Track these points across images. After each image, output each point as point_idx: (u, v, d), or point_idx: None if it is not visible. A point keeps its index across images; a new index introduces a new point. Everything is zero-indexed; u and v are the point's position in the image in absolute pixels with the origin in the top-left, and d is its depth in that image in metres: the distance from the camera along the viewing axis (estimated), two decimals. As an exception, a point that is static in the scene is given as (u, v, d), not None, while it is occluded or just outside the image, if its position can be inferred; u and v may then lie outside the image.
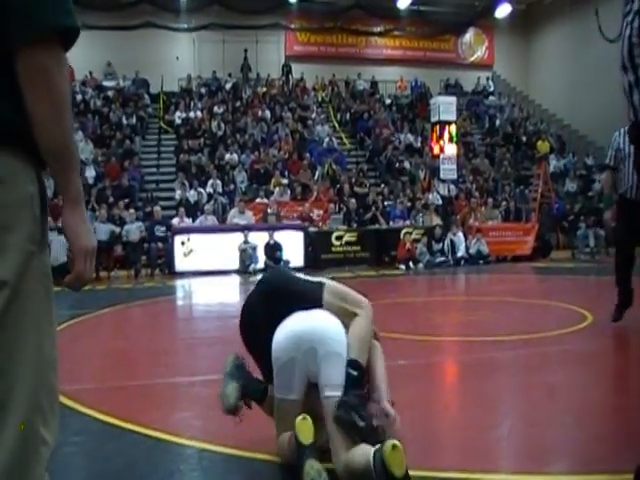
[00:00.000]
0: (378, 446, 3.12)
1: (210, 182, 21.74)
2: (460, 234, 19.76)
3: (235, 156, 24.04)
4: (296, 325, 3.68)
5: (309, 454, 3.33)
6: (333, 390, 3.46)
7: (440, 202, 22.77)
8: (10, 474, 1.63)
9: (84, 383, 5.75)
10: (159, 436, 4.15)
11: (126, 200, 19.51)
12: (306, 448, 3.36)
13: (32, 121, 1.65)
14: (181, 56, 30.93)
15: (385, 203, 22.11)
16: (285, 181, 22.55)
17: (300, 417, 3.42)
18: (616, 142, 7.64)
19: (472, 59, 35.69)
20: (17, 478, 1.65)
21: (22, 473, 1.66)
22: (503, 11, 31.72)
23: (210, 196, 21.01)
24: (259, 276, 9.57)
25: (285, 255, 17.80)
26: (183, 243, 17.33)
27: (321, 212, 20.87)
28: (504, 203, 23.65)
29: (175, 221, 18.51)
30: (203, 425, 4.42)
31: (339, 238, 19.06)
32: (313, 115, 28.89)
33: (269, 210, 19.72)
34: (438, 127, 23.59)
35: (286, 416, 3.65)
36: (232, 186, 22.43)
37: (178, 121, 26.46)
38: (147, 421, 4.50)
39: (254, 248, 17.56)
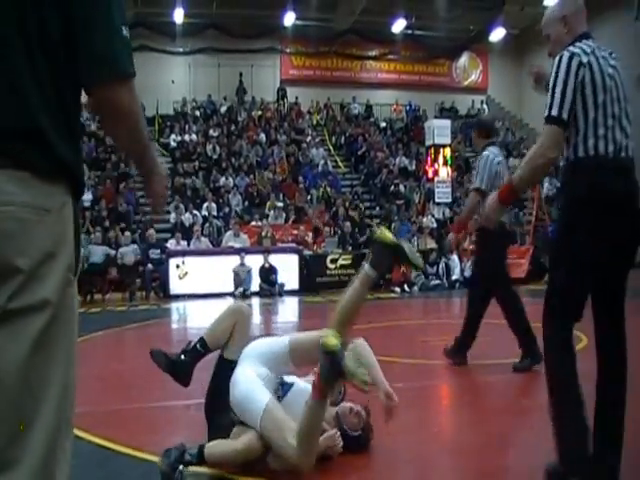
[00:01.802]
0: None
1: (205, 205, 21.77)
2: (455, 257, 19.79)
3: (230, 180, 24.09)
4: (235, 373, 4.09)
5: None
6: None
7: (435, 225, 22.82)
8: None
9: (78, 406, 5.68)
10: (154, 460, 4.13)
11: (122, 225, 19.49)
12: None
13: (115, 141, 2.11)
14: (176, 79, 31.05)
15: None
16: (280, 204, 22.58)
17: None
18: (494, 165, 7.22)
19: (466, 83, 35.91)
20: None
21: None
22: (497, 35, 31.92)
23: (205, 219, 21.02)
24: (253, 299, 9.60)
25: (280, 278, 17.80)
26: (178, 266, 17.31)
27: (310, 234, 20.85)
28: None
29: (170, 244, 18.49)
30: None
31: (334, 261, 19.06)
32: (308, 138, 28.99)
33: (263, 233, 19.73)
34: (433, 150, 23.69)
35: (278, 417, 3.67)
36: (227, 209, 22.45)
37: (173, 144, 26.52)
38: (142, 444, 4.49)
39: (249, 271, 17.54)
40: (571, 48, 3.66)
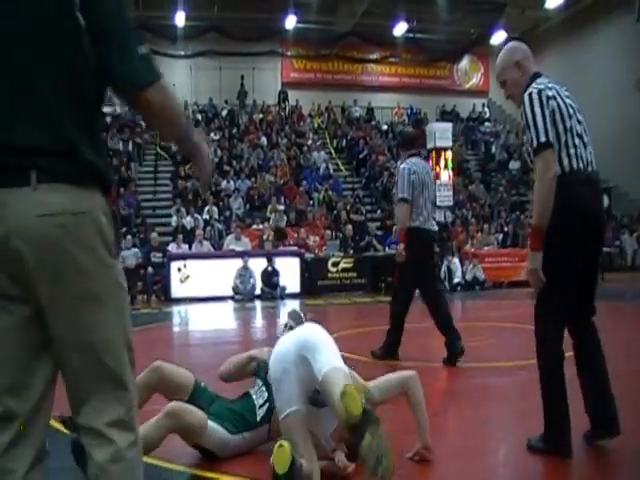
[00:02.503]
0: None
1: (207, 208, 21.77)
2: (456, 260, 19.81)
3: (232, 183, 24.09)
4: (282, 344, 3.91)
5: None
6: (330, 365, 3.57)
7: (436, 228, 22.77)
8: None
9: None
10: (154, 462, 4.12)
11: (124, 229, 19.47)
12: (280, 478, 3.32)
13: (159, 131, 2.60)
14: (178, 83, 30.96)
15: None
16: (281, 207, 22.58)
17: (277, 444, 3.37)
18: (412, 175, 7.83)
19: (467, 86, 35.94)
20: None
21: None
22: (498, 38, 31.91)
23: (207, 222, 21.02)
24: (256, 302, 9.63)
25: (282, 281, 17.79)
26: (179, 269, 17.31)
27: (317, 238, 20.87)
28: (500, 228, 23.71)
29: (171, 247, 18.49)
30: (195, 451, 4.39)
31: (335, 264, 19.06)
32: (309, 141, 29.00)
33: (264, 237, 19.73)
34: (434, 153, 23.66)
35: (293, 431, 3.63)
36: (228, 212, 22.46)
37: (174, 147, 26.49)
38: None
39: (251, 275, 17.55)
40: (535, 85, 4.23)
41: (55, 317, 2.15)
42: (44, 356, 2.21)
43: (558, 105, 4.16)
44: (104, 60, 2.19)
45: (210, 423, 4.10)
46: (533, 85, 4.24)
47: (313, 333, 3.84)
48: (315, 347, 3.66)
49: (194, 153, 2.57)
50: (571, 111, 4.21)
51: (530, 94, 4.17)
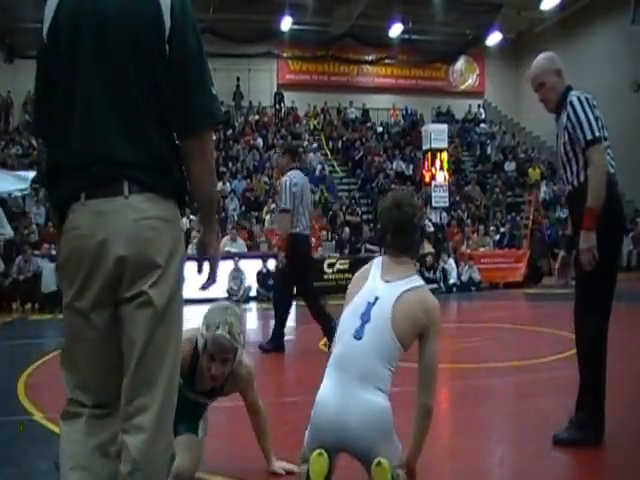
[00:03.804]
0: None
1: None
2: (451, 261, 19.82)
3: (227, 185, 24.07)
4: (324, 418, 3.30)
5: None
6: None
7: (432, 229, 22.82)
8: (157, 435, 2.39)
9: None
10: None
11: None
12: None
13: (194, 179, 2.57)
14: (174, 84, 31.05)
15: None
16: (273, 206, 22.59)
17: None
18: (293, 187, 8.71)
19: (463, 87, 35.93)
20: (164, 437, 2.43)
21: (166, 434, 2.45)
22: (494, 39, 31.99)
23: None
24: (250, 304, 9.60)
25: (277, 282, 17.75)
26: (175, 271, 17.27)
27: (313, 240, 20.85)
28: (496, 229, 23.73)
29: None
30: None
31: (331, 265, 19.06)
32: (305, 143, 28.98)
33: (257, 240, 19.72)
34: (430, 155, 23.68)
35: None
36: (224, 214, 22.44)
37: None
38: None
39: (243, 275, 17.54)
40: (581, 93, 4.58)
41: (131, 304, 2.39)
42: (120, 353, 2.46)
43: (600, 115, 4.50)
44: (181, 90, 2.45)
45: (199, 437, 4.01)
46: (577, 92, 4.60)
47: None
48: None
49: (211, 224, 2.77)
50: (605, 123, 4.54)
51: (579, 97, 4.52)
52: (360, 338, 3.31)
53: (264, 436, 4.05)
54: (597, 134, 4.39)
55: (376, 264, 3.57)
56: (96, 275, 2.37)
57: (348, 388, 3.24)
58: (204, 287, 2.90)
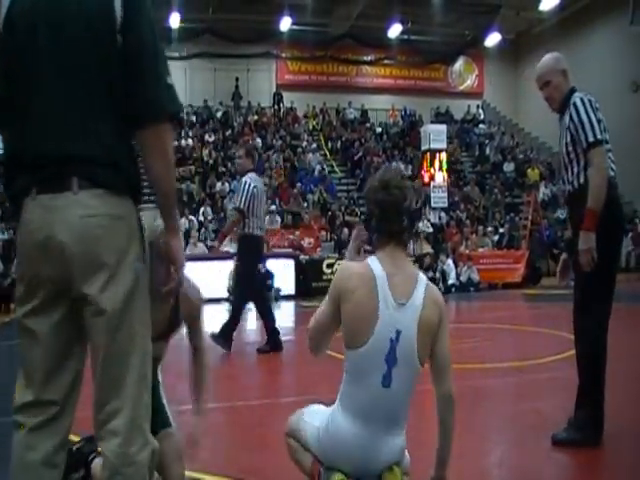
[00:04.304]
0: None
1: (201, 210, 21.76)
2: (450, 262, 19.83)
3: (226, 185, 24.07)
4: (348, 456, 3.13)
5: None
6: None
7: (431, 230, 22.82)
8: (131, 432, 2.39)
9: (77, 410, 5.69)
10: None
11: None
12: None
13: (151, 173, 2.42)
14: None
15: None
16: (273, 207, 22.62)
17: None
18: (253, 188, 8.95)
19: (462, 87, 35.91)
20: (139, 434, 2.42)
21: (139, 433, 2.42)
22: (492, 40, 31.97)
23: (201, 224, 21.01)
24: (250, 304, 9.64)
25: (276, 283, 17.78)
26: (174, 271, 17.25)
27: (312, 240, 20.87)
28: (494, 230, 23.74)
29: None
30: (193, 454, 4.39)
31: (330, 266, 19.05)
32: (304, 143, 28.99)
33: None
34: (428, 155, 23.68)
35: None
36: (222, 214, 22.44)
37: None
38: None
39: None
40: (584, 94, 4.65)
41: (86, 310, 2.35)
42: (75, 350, 2.48)
43: (602, 118, 4.56)
44: (134, 81, 2.36)
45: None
46: (581, 94, 4.67)
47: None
48: None
49: (173, 224, 2.57)
50: (606, 126, 4.59)
51: (583, 99, 4.60)
52: (389, 386, 3.05)
53: (200, 383, 3.76)
54: (599, 136, 4.44)
55: (379, 275, 3.08)
56: (43, 273, 2.35)
57: (377, 438, 3.06)
58: (167, 290, 2.67)
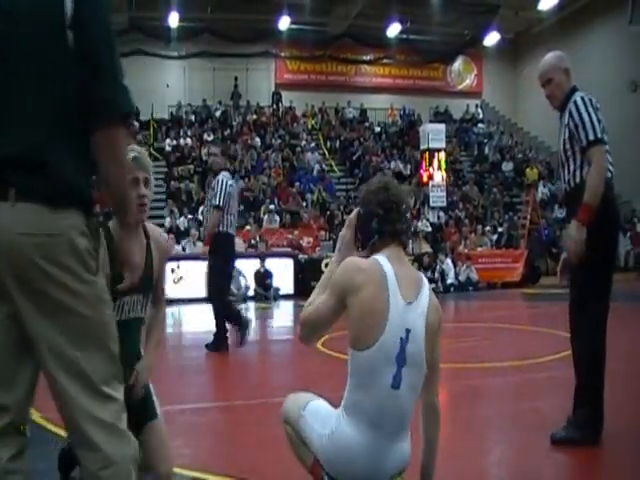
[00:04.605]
0: None
1: (200, 209, 21.75)
2: (449, 261, 19.84)
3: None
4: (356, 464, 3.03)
5: None
6: None
7: (429, 229, 22.83)
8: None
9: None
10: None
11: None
12: None
13: (104, 178, 2.32)
14: (171, 83, 31.00)
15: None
16: (272, 206, 22.63)
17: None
18: (229, 187, 9.11)
19: (461, 87, 35.92)
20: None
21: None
22: (491, 40, 31.94)
23: (200, 223, 21.01)
24: (249, 303, 9.67)
25: (275, 282, 17.79)
26: (173, 270, 17.26)
27: (311, 239, 20.87)
28: (493, 229, 23.75)
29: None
30: (193, 453, 4.40)
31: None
32: (303, 143, 28.98)
33: (252, 241, 19.73)
34: (427, 154, 23.68)
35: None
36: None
37: (168, 148, 26.50)
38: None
39: (241, 274, 17.54)
40: (586, 94, 4.70)
41: (35, 328, 2.24)
42: (27, 357, 2.32)
43: (602, 118, 4.60)
44: (87, 79, 2.23)
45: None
46: (583, 93, 4.72)
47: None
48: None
49: (130, 231, 2.55)
50: (606, 127, 4.63)
51: (584, 98, 4.65)
52: (398, 387, 3.00)
53: (154, 334, 3.69)
54: (599, 135, 4.49)
55: (389, 273, 3.05)
56: None
57: (384, 446, 3.01)
58: (124, 289, 2.62)
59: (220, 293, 9.32)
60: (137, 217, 3.50)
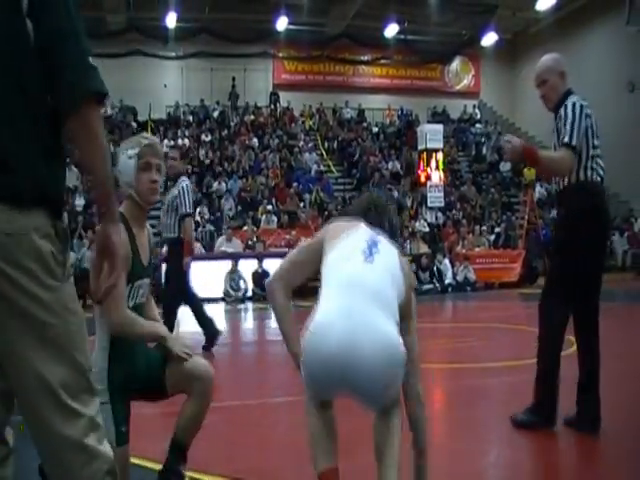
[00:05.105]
0: None
1: (198, 210, 21.75)
2: (447, 261, 19.86)
3: (223, 185, 24.09)
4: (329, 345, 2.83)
5: None
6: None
7: (427, 230, 22.85)
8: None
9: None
10: (147, 465, 4.12)
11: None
12: None
13: (83, 166, 2.21)
14: (169, 84, 31.02)
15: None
16: (269, 207, 22.63)
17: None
18: (191, 192, 9.27)
19: (459, 87, 35.95)
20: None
21: None
22: (489, 40, 31.96)
23: (198, 224, 21.01)
24: (247, 304, 9.68)
25: (273, 283, 17.82)
26: (171, 271, 17.27)
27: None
28: (491, 229, 23.77)
29: (163, 249, 18.44)
30: (191, 454, 4.39)
31: (327, 265, 19.05)
32: (300, 143, 28.98)
33: (250, 242, 19.74)
34: (425, 155, 23.71)
35: None
36: (219, 214, 22.46)
37: (166, 149, 26.45)
38: (134, 450, 4.47)
39: (241, 277, 17.57)
40: (579, 99, 4.80)
41: None
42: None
43: (591, 124, 4.74)
44: (52, 65, 2.07)
45: None
46: (577, 98, 4.83)
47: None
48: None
49: (114, 220, 2.29)
50: (598, 133, 4.80)
51: (575, 103, 4.76)
52: (371, 262, 2.99)
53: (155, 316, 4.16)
54: (573, 142, 4.63)
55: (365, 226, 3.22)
56: None
57: (357, 309, 2.84)
58: (103, 296, 2.33)
59: (182, 293, 9.32)
60: (149, 199, 3.67)
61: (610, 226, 5.09)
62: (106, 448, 2.21)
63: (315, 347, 2.88)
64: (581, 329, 4.95)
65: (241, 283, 17.67)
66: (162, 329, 3.65)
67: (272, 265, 17.83)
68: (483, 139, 32.68)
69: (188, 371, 3.54)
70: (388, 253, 3.12)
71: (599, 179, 4.75)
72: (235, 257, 17.91)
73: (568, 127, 4.64)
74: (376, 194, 3.58)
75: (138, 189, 3.63)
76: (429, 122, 30.41)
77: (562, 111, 4.75)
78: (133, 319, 3.45)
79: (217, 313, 15.73)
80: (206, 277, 17.39)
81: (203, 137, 27.50)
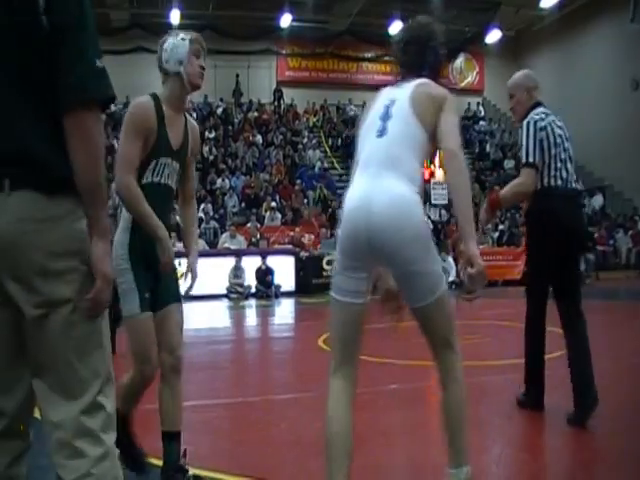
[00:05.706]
0: None
1: (202, 206, 21.77)
2: (450, 259, 19.84)
3: (227, 182, 24.10)
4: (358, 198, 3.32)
5: None
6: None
7: (431, 227, 22.82)
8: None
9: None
10: (149, 461, 4.13)
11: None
12: None
13: (75, 167, 2.12)
14: (173, 81, 31.01)
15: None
16: (273, 204, 22.64)
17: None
18: None
19: (462, 84, 35.89)
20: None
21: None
22: (493, 37, 31.92)
23: (201, 220, 21.03)
24: (251, 300, 9.71)
25: (276, 280, 17.81)
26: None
27: (312, 237, 20.88)
28: (494, 227, 23.76)
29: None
30: (193, 451, 4.40)
31: (330, 263, 19.05)
32: (304, 140, 28.99)
33: (254, 239, 19.75)
34: (429, 152, 23.68)
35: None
36: (223, 210, 22.47)
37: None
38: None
39: (244, 273, 17.58)
40: (533, 115, 5.15)
41: (27, 322, 2.12)
42: (25, 358, 2.19)
43: (547, 135, 5.05)
44: (57, 65, 2.09)
45: None
46: (532, 114, 5.16)
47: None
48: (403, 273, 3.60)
49: (97, 221, 2.21)
50: (558, 140, 5.10)
51: (528, 123, 5.10)
52: (381, 135, 3.30)
53: (193, 236, 4.41)
54: (530, 160, 5.02)
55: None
56: None
57: (373, 177, 3.23)
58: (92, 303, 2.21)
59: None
60: (197, 81, 3.97)
61: (573, 227, 5.19)
62: (115, 451, 2.23)
63: (343, 221, 3.46)
64: (566, 326, 5.67)
65: (244, 280, 17.67)
66: (162, 232, 3.72)
67: (275, 262, 17.88)
68: (487, 136, 32.65)
69: (169, 332, 3.91)
70: (400, 110, 3.35)
71: (557, 183, 5.07)
72: (239, 254, 17.91)
73: (524, 147, 5.05)
74: (417, 22, 3.84)
75: (188, 70, 3.92)
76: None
77: (520, 132, 5.19)
78: (140, 195, 3.61)
79: (220, 310, 15.75)
80: (210, 274, 17.43)
81: (207, 134, 27.50)
